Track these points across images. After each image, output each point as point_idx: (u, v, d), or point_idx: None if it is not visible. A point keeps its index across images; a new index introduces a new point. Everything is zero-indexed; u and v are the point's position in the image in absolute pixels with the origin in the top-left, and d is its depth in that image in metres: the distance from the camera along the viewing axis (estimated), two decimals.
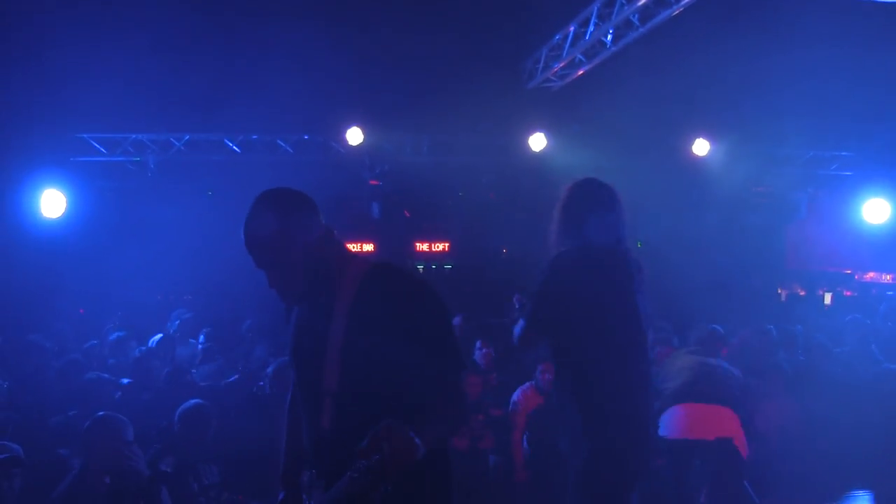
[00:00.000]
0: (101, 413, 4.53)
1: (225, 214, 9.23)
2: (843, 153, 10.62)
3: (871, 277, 13.22)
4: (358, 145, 9.34)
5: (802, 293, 12.71)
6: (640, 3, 7.20)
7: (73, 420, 5.21)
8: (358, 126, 9.17)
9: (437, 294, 2.59)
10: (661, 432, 4.86)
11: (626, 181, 9.67)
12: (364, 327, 2.52)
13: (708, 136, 9.99)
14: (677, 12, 7.14)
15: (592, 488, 3.44)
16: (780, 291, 12.76)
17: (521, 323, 3.62)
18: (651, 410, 3.68)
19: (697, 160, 10.13)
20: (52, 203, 8.97)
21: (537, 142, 9.85)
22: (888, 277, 13.13)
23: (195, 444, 4.89)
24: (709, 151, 10.05)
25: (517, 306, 4.29)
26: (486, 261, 11.65)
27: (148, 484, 4.32)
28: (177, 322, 8.27)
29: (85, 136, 9.33)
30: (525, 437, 6.04)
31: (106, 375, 5.91)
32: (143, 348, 6.87)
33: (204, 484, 4.89)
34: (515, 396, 6.22)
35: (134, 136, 9.36)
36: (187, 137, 9.42)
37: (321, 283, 2.61)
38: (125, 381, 6.12)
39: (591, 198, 3.59)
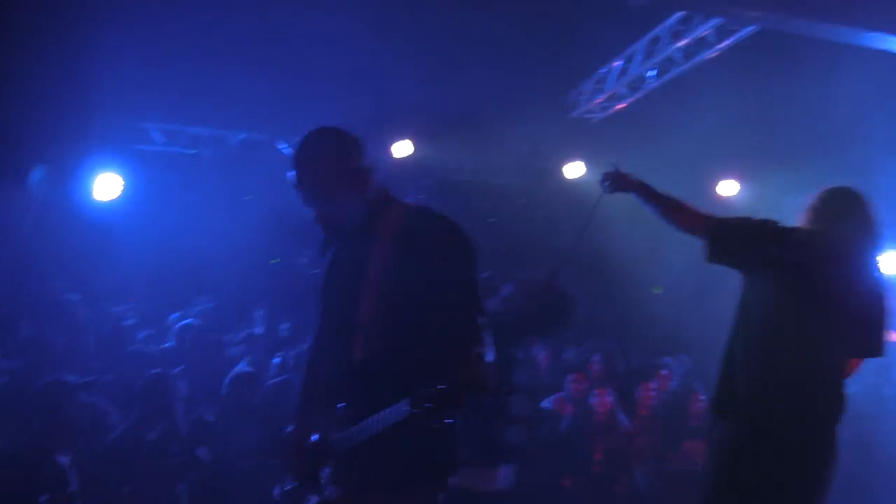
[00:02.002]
0: (157, 370, 5.08)
1: (267, 218, 9.97)
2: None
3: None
4: (405, 157, 10.11)
5: None
6: (683, 43, 8.07)
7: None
8: (409, 139, 9.91)
9: (470, 241, 2.81)
10: None
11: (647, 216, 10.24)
12: (402, 265, 2.72)
13: (737, 176, 10.77)
14: (716, 54, 7.98)
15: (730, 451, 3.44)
16: None
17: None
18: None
19: (725, 201, 10.84)
20: (107, 186, 9.62)
21: (574, 170, 10.62)
22: None
23: (242, 407, 5.42)
24: (738, 192, 10.81)
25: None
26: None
27: (189, 441, 4.84)
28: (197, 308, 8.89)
29: (145, 125, 10.08)
30: None
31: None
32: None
33: (242, 446, 5.42)
34: (548, 404, 6.91)
35: (191, 129, 10.09)
36: (243, 136, 10.17)
37: (365, 218, 2.82)
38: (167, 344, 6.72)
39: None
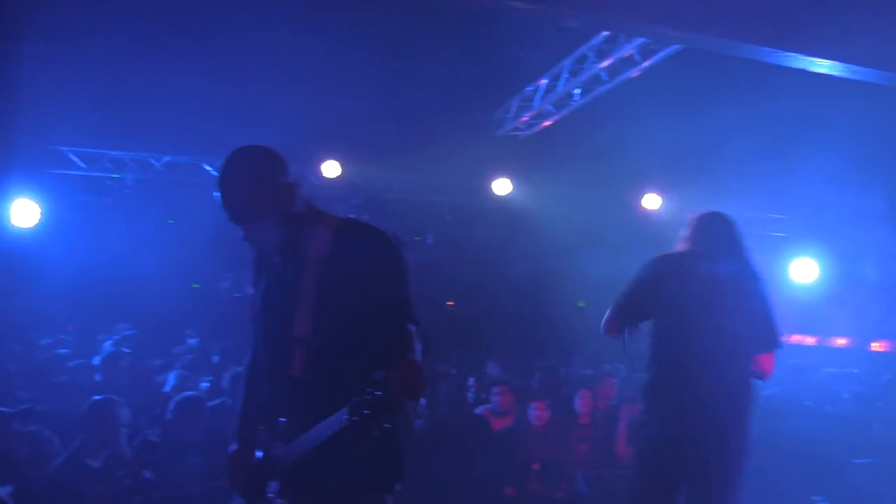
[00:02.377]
0: (100, 397, 5.02)
1: (193, 242, 9.84)
2: (778, 216, 11.92)
3: (796, 340, 14.40)
4: (334, 178, 10.14)
5: None
6: (609, 61, 8.32)
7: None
8: (336, 160, 9.96)
9: (401, 251, 2.87)
10: None
11: (581, 230, 10.59)
12: (337, 276, 2.76)
13: (660, 190, 11.18)
14: (639, 73, 8.26)
15: (639, 444, 4.16)
16: None
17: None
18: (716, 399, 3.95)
19: (649, 214, 11.27)
20: (24, 212, 9.37)
21: (502, 187, 10.84)
22: (811, 340, 14.33)
23: (188, 431, 5.39)
24: (660, 206, 11.22)
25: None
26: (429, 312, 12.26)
27: (134, 464, 4.79)
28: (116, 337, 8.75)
29: (63, 148, 9.88)
30: None
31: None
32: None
33: (190, 470, 5.38)
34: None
35: (113, 152, 9.94)
36: (167, 159, 10.07)
37: (296, 233, 2.84)
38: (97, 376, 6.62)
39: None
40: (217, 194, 2.80)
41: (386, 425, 2.44)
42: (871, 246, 10.55)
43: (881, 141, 8.84)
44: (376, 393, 2.39)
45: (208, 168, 10.28)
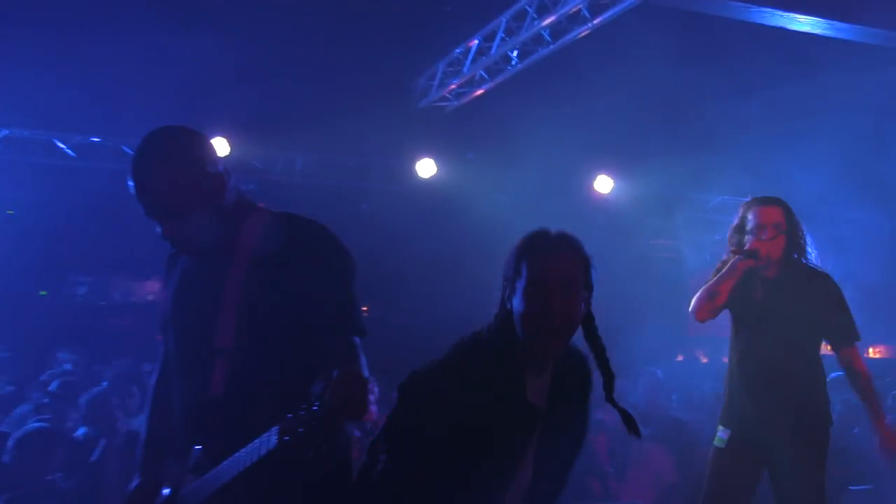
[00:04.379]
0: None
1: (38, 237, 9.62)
2: (747, 199, 12.12)
3: None
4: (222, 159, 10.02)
5: (705, 360, 14.16)
6: (552, 19, 8.31)
7: None
8: (223, 137, 9.83)
9: (347, 250, 2.89)
10: None
11: (522, 219, 10.69)
12: (266, 279, 2.76)
13: (612, 173, 11.44)
14: (588, 32, 8.37)
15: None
16: (679, 358, 14.17)
17: None
18: None
19: (601, 200, 11.52)
20: None
21: (425, 168, 10.93)
22: None
23: (36, 473, 5.24)
24: (612, 190, 11.48)
25: None
26: None
27: None
28: None
29: None
30: None
31: None
32: None
33: None
34: None
35: None
36: (4, 132, 9.80)
37: (223, 229, 2.85)
38: None
39: None
40: (132, 184, 2.76)
41: (324, 447, 2.36)
42: (858, 235, 11.00)
43: (871, 114, 9.24)
44: (313, 408, 2.34)
45: (62, 146, 10.05)
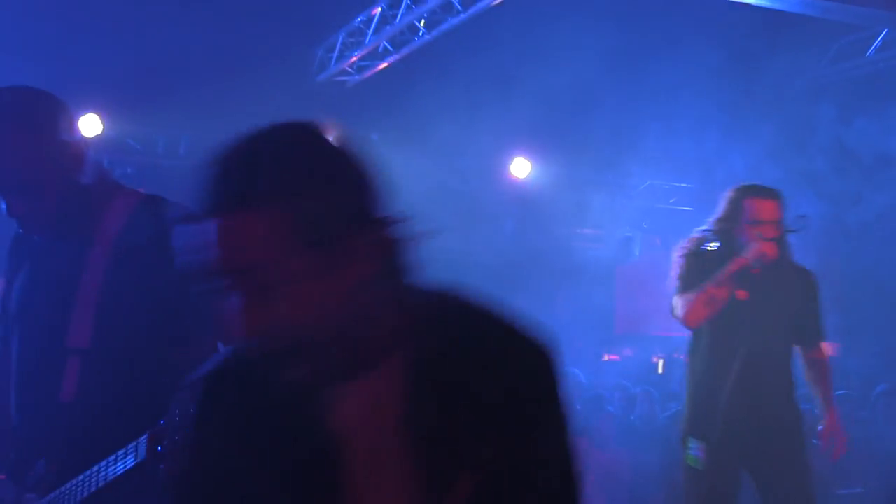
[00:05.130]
0: None
1: None
2: (684, 184, 12.33)
3: None
4: (92, 137, 9.65)
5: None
6: None
7: None
8: (95, 113, 9.49)
9: None
10: None
11: (434, 204, 10.62)
12: (130, 271, 2.68)
13: (530, 155, 11.37)
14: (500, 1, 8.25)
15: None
16: (605, 358, 14.23)
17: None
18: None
19: (518, 185, 11.45)
20: None
21: None
22: None
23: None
24: (530, 174, 11.41)
25: None
26: None
27: None
28: None
29: None
30: None
31: None
32: None
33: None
34: None
35: None
36: None
37: (80, 210, 2.75)
38: None
39: None
40: None
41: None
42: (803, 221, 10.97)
43: (813, 92, 9.42)
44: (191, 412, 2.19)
45: None
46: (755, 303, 4.59)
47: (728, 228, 4.67)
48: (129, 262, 2.69)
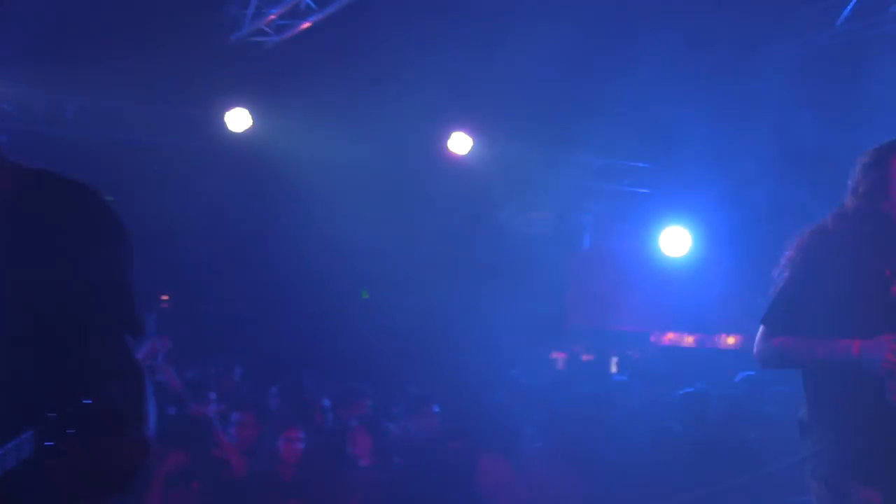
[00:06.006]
0: None
1: None
2: (640, 164, 12.12)
3: (671, 339, 14.91)
4: None
5: (587, 357, 14.04)
6: None
7: None
8: None
9: (121, 223, 2.79)
10: None
11: (357, 184, 10.38)
12: (7, 252, 2.66)
13: (470, 129, 11.06)
14: None
15: None
16: (554, 357, 14.03)
17: None
18: None
19: (457, 162, 11.14)
20: None
21: (238, 120, 10.38)
22: (690, 340, 14.87)
23: None
24: (471, 151, 11.10)
25: None
26: None
27: None
28: None
29: None
30: None
31: None
32: None
33: None
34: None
35: None
36: None
37: None
38: None
39: None
40: None
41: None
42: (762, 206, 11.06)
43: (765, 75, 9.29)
44: (85, 401, 2.30)
45: None
46: None
47: (869, 209, 3.84)
48: (6, 243, 2.64)
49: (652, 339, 14.85)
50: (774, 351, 3.96)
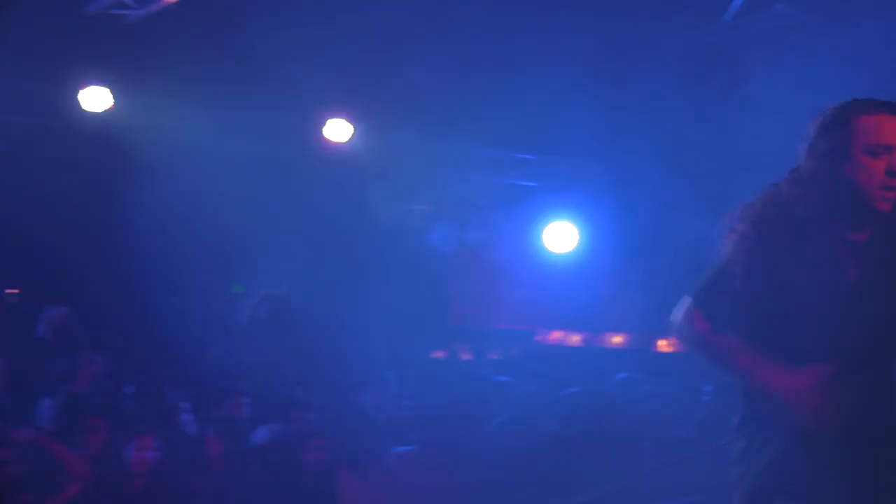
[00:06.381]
0: None
1: None
2: (527, 156, 12.07)
3: (557, 338, 14.87)
4: None
5: (467, 357, 13.94)
6: None
7: None
8: None
9: None
10: None
11: (227, 173, 10.13)
12: None
13: (350, 116, 10.88)
14: None
15: None
16: (434, 356, 13.90)
17: None
18: None
19: (334, 150, 10.96)
20: None
21: (95, 99, 10.00)
22: (576, 339, 14.83)
23: None
24: (352, 139, 10.95)
25: None
26: None
27: None
28: None
29: None
30: None
31: None
32: None
33: None
34: None
35: None
36: None
37: None
38: None
39: None
40: None
41: None
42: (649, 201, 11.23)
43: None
44: None
45: None
46: (868, 283, 3.54)
47: (828, 173, 3.57)
48: None
49: (537, 337, 14.82)
50: (697, 338, 3.76)
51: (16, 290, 11.46)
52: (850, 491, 3.62)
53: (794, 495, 3.74)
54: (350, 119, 10.99)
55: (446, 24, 8.89)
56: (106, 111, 10.06)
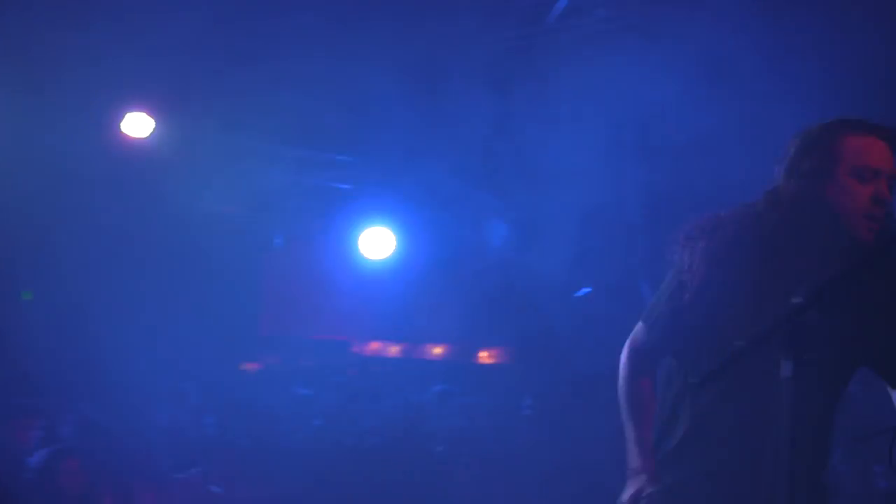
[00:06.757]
0: None
1: None
2: (342, 157, 11.97)
3: (375, 349, 14.81)
4: None
5: (278, 369, 13.80)
6: None
7: None
8: None
9: None
10: None
11: (13, 164, 9.78)
12: None
13: (152, 110, 10.53)
14: None
15: None
16: (246, 367, 13.69)
17: None
18: None
19: (134, 147, 10.58)
20: None
21: None
22: (395, 349, 14.80)
23: None
24: (152, 133, 10.59)
25: None
26: None
27: None
28: None
29: None
30: None
31: None
32: None
33: None
34: None
35: None
36: None
37: None
38: None
39: None
40: None
41: None
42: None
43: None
44: None
45: None
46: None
47: (810, 193, 3.47)
48: None
49: (354, 348, 14.74)
50: (623, 371, 3.71)
51: None
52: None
53: None
54: (151, 113, 10.64)
55: (256, 16, 8.81)
56: None
